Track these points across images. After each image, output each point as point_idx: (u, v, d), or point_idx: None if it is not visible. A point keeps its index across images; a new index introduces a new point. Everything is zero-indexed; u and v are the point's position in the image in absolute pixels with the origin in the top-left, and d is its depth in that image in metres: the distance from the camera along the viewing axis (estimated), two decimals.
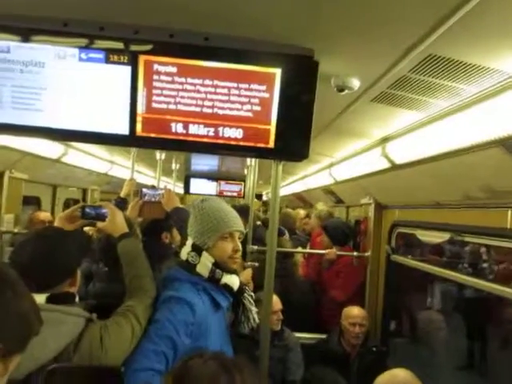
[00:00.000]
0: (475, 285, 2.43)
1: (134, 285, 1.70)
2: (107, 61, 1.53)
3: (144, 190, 2.63)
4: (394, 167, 2.64)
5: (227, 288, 1.75)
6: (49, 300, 1.42)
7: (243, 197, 6.55)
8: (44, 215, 4.05)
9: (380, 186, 3.36)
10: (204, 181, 6.78)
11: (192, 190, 6.83)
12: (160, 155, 4.50)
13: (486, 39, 1.31)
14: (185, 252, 1.77)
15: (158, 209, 2.49)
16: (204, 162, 5.92)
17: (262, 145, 1.66)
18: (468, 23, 1.22)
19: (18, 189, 3.76)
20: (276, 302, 2.74)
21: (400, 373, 1.83)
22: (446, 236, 2.54)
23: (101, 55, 1.52)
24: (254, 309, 1.86)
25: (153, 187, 2.96)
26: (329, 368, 2.84)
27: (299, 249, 4.38)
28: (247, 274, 2.83)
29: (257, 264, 3.14)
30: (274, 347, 2.66)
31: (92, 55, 1.53)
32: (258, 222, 4.78)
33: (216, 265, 1.72)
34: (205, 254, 1.72)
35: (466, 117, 1.79)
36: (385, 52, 1.52)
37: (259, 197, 10.94)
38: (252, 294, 1.91)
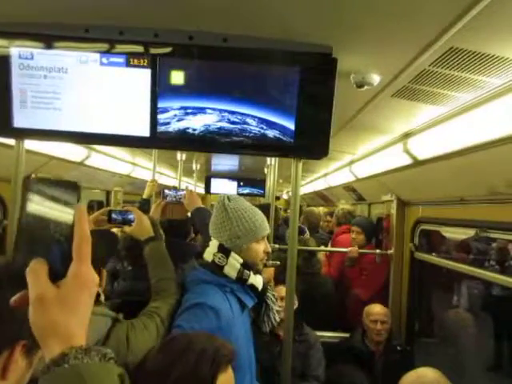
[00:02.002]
0: (503, 283, 2.37)
1: (160, 287, 1.74)
2: (128, 64, 1.55)
3: (166, 191, 2.68)
4: (417, 163, 2.60)
5: (253, 288, 1.76)
6: None
7: (263, 196, 6.56)
8: None
9: (402, 183, 3.32)
10: (225, 181, 6.82)
11: (213, 190, 6.88)
12: (181, 156, 4.54)
13: (508, 30, 1.27)
14: (210, 253, 1.76)
15: (180, 209, 2.53)
16: (224, 162, 5.95)
17: (281, 143, 1.66)
18: (490, 14, 1.19)
19: None
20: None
21: (428, 372, 1.80)
22: (471, 232, 2.48)
23: (122, 59, 1.55)
24: (275, 307, 1.86)
25: (175, 188, 3.00)
26: (352, 366, 2.82)
27: (322, 247, 4.36)
28: (269, 273, 2.84)
29: (278, 263, 3.14)
30: (295, 342, 2.65)
31: (113, 59, 1.55)
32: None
33: (244, 265, 1.71)
34: (233, 254, 1.71)
35: (490, 110, 1.75)
36: (405, 46, 1.49)
37: (277, 198, 10.97)
38: (274, 292, 1.92)
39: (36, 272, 0.61)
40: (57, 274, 0.62)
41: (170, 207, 2.67)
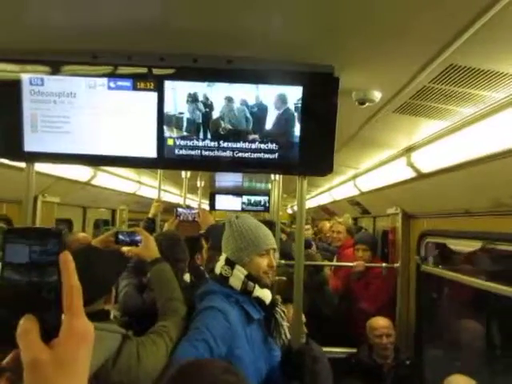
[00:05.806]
0: None
1: (167, 307, 1.76)
2: (135, 88, 1.60)
3: (179, 209, 2.77)
4: (421, 176, 2.62)
5: (259, 301, 1.79)
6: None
7: (268, 211, 6.57)
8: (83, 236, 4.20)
9: (407, 196, 3.33)
10: (229, 197, 6.84)
11: (217, 206, 6.90)
12: (185, 174, 4.59)
13: (506, 46, 1.30)
14: (219, 266, 1.84)
15: (194, 227, 2.62)
16: (228, 179, 5.99)
17: (286, 161, 1.69)
18: (487, 32, 1.22)
19: (50, 212, 3.89)
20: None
21: (460, 380, 1.80)
22: (477, 245, 2.48)
23: (128, 83, 1.59)
24: (285, 324, 1.87)
25: (188, 207, 3.10)
26: (359, 382, 2.79)
27: (326, 261, 4.35)
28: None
29: (284, 278, 3.14)
30: None
31: (120, 83, 1.60)
32: (283, 235, 4.78)
33: (249, 277, 1.77)
34: (238, 266, 1.78)
35: (492, 123, 1.77)
36: (405, 64, 1.53)
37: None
38: (284, 309, 1.93)
39: (27, 333, 0.56)
40: (49, 333, 0.57)
41: (183, 225, 2.76)
